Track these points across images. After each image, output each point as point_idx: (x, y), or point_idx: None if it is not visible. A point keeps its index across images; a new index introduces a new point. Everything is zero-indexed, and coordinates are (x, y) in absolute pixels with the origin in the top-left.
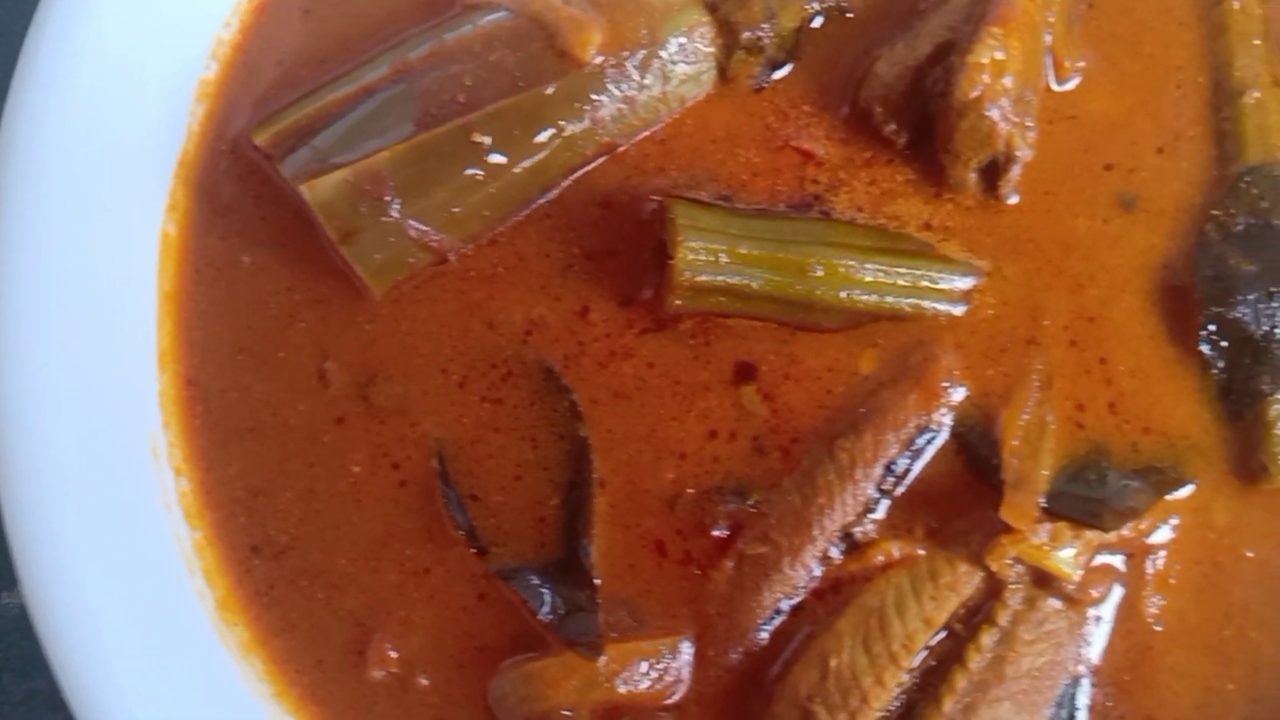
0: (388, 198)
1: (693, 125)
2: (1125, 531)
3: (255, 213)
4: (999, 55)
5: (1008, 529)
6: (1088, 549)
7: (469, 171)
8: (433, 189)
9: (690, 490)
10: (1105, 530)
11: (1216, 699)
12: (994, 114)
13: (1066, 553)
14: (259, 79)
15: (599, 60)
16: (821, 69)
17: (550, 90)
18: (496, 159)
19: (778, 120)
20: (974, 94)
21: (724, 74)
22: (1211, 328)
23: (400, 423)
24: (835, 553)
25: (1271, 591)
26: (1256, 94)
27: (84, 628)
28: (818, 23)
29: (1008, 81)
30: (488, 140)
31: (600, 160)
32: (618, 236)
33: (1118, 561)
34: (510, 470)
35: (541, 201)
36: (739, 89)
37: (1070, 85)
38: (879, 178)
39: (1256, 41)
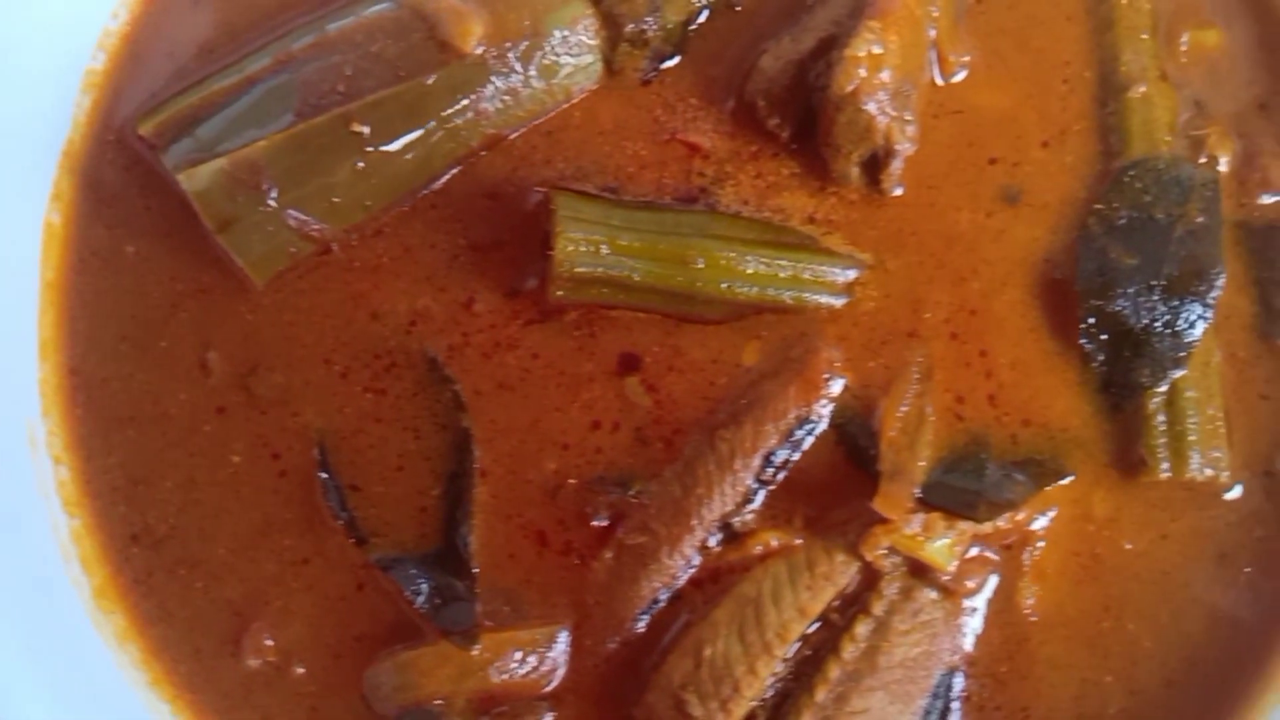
0: (265, 186)
1: (580, 117)
2: (1002, 523)
3: (140, 203)
4: (876, 49)
5: (883, 519)
6: (962, 540)
7: (349, 161)
8: (311, 178)
9: (572, 480)
10: (978, 521)
11: (1094, 690)
12: (871, 108)
13: (941, 543)
14: (147, 70)
15: (480, 51)
16: (709, 62)
17: (431, 81)
18: (377, 149)
19: (665, 113)
20: (850, 88)
21: (610, 67)
22: (1091, 321)
23: (281, 413)
24: (714, 543)
25: (1150, 584)
26: (1143, 88)
27: None
28: (704, 16)
29: (885, 76)
30: (367, 130)
31: (487, 151)
32: (504, 228)
33: (994, 553)
34: (392, 461)
35: (427, 192)
36: (626, 82)
37: (956, 80)
38: (765, 171)
39: (1144, 36)
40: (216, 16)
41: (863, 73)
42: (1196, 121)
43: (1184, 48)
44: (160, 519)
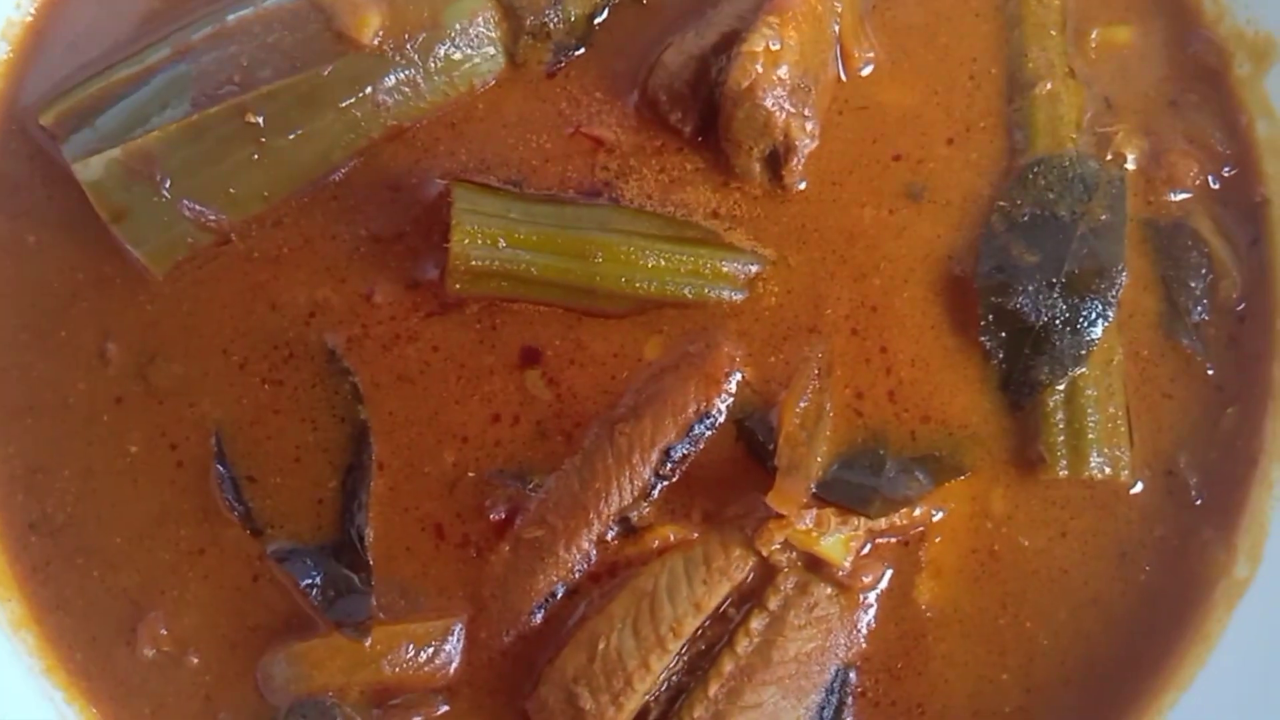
0: (158, 177)
1: (484, 109)
2: (898, 519)
3: (43, 192)
4: (774, 45)
5: (778, 515)
6: (857, 535)
7: (244, 152)
8: (206, 168)
9: (471, 474)
10: (871, 517)
11: (990, 688)
12: (769, 103)
13: (835, 538)
14: (50, 60)
15: (378, 43)
16: (614, 55)
17: (327, 72)
18: (271, 139)
19: (570, 106)
20: (746, 83)
21: (513, 59)
22: (990, 318)
23: (179, 403)
24: (612, 537)
25: (1048, 581)
26: (1049, 85)
27: None
28: (608, 10)
29: (783, 71)
30: (261, 121)
31: (389, 143)
32: (406, 219)
33: (891, 549)
34: (289, 452)
35: (328, 183)
36: (531, 74)
37: (861, 75)
38: (669, 166)
39: (1053, 32)
40: (121, 6)
41: (759, 68)
42: (1104, 118)
43: (1094, 44)
44: (58, 508)
